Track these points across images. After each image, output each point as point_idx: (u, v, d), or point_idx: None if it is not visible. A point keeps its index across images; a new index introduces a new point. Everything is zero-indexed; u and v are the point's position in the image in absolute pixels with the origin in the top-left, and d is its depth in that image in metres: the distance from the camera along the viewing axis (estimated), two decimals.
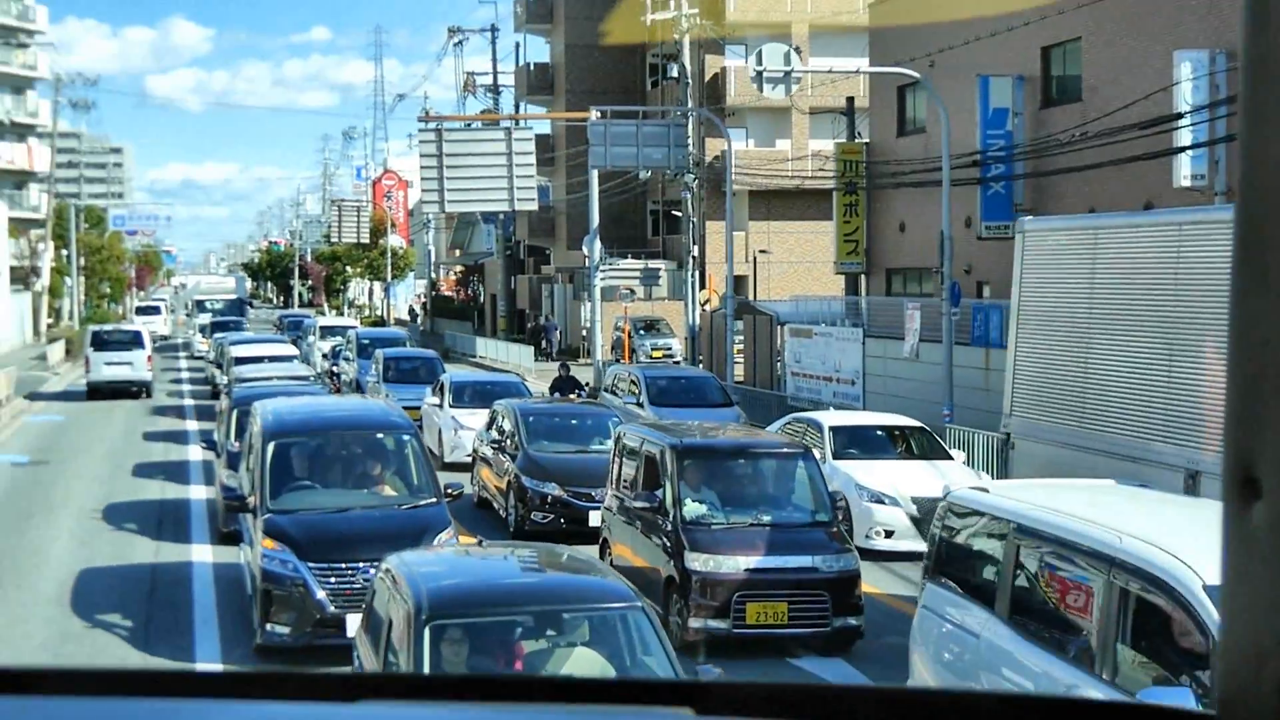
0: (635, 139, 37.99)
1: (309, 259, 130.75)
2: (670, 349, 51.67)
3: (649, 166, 39.04)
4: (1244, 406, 1.54)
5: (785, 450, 17.04)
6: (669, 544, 15.46)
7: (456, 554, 12.32)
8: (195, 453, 30.44)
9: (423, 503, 15.59)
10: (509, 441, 22.63)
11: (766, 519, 15.81)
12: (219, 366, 40.10)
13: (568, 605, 9.96)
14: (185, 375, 53.36)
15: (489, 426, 24.36)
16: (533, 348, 54.07)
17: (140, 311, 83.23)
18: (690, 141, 40.75)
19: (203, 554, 20.20)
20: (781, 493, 16.55)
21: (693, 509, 15.66)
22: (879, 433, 23.02)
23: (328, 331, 51.94)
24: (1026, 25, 31.00)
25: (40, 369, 53.46)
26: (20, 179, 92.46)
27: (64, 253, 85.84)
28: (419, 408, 29.41)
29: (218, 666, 14.52)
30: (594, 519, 20.45)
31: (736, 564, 15.03)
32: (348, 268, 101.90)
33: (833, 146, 48.90)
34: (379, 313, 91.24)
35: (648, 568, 15.90)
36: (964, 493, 12.22)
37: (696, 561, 14.99)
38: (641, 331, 52.16)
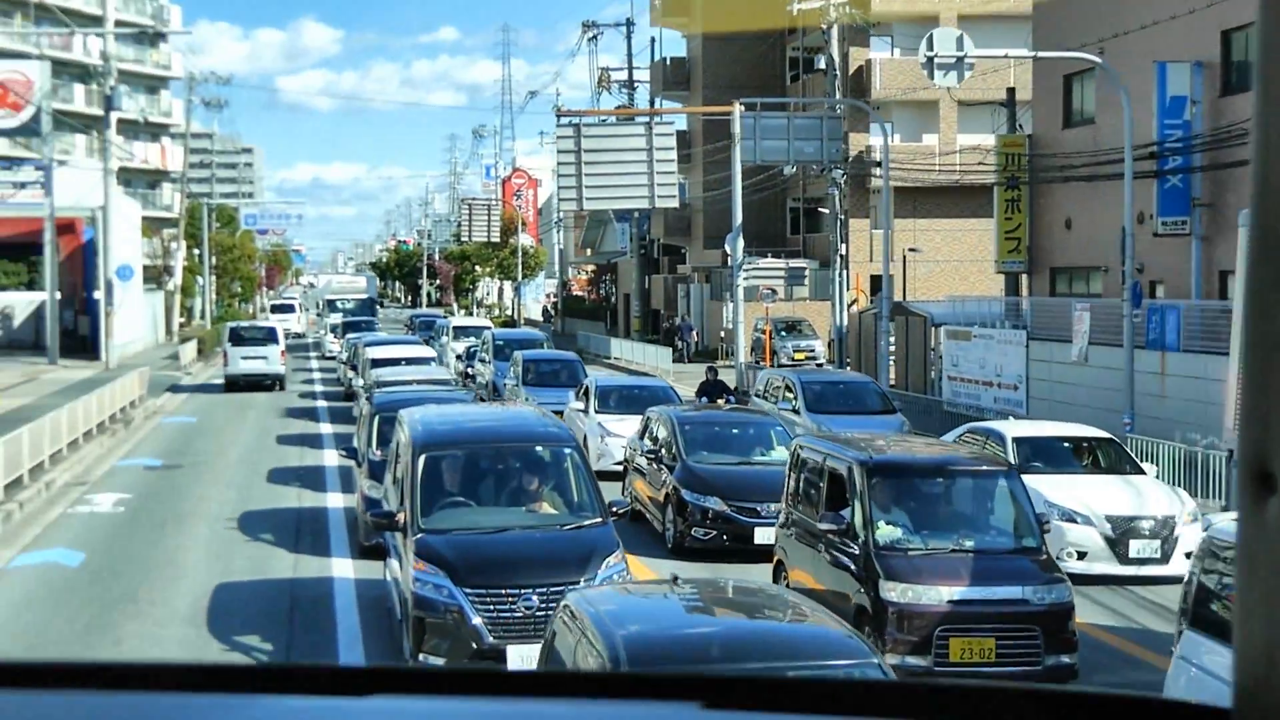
0: (786, 132, 36.44)
1: (437, 258, 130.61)
2: (813, 351, 50.00)
3: (801, 161, 37.46)
4: (1258, 403, 1.54)
5: (987, 468, 15.38)
6: (860, 571, 13.94)
7: (651, 594, 10.81)
8: (331, 458, 29.39)
9: (587, 522, 14.16)
10: (665, 451, 21.18)
11: (968, 544, 14.21)
12: (353, 368, 39.14)
13: (790, 663, 8.44)
14: (317, 376, 52.61)
15: (642, 435, 22.91)
16: (670, 349, 52.60)
17: (275, 309, 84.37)
18: (844, 135, 38.99)
19: (343, 568, 18.97)
20: (982, 515, 14.94)
21: (886, 533, 14.10)
22: (1065, 444, 21.27)
23: (461, 332, 50.84)
24: (1209, 7, 28.94)
25: (172, 369, 52.99)
26: (154, 178, 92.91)
27: (196, 252, 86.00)
28: (561, 413, 28.15)
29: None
30: (759, 536, 19.02)
31: (938, 595, 13.47)
32: (477, 267, 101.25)
33: (982, 141, 47.03)
34: (508, 313, 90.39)
35: (832, 595, 14.35)
36: (1229, 527, 10.55)
37: (893, 591, 13.45)
38: (783, 333, 50.54)
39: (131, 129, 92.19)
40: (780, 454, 20.99)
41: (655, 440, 22.15)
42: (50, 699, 1.99)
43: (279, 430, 34.65)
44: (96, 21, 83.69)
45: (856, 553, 14.03)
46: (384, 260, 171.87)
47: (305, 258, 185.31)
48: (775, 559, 16.52)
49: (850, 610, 13.75)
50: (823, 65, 45.61)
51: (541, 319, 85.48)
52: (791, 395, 28.07)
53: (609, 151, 40.73)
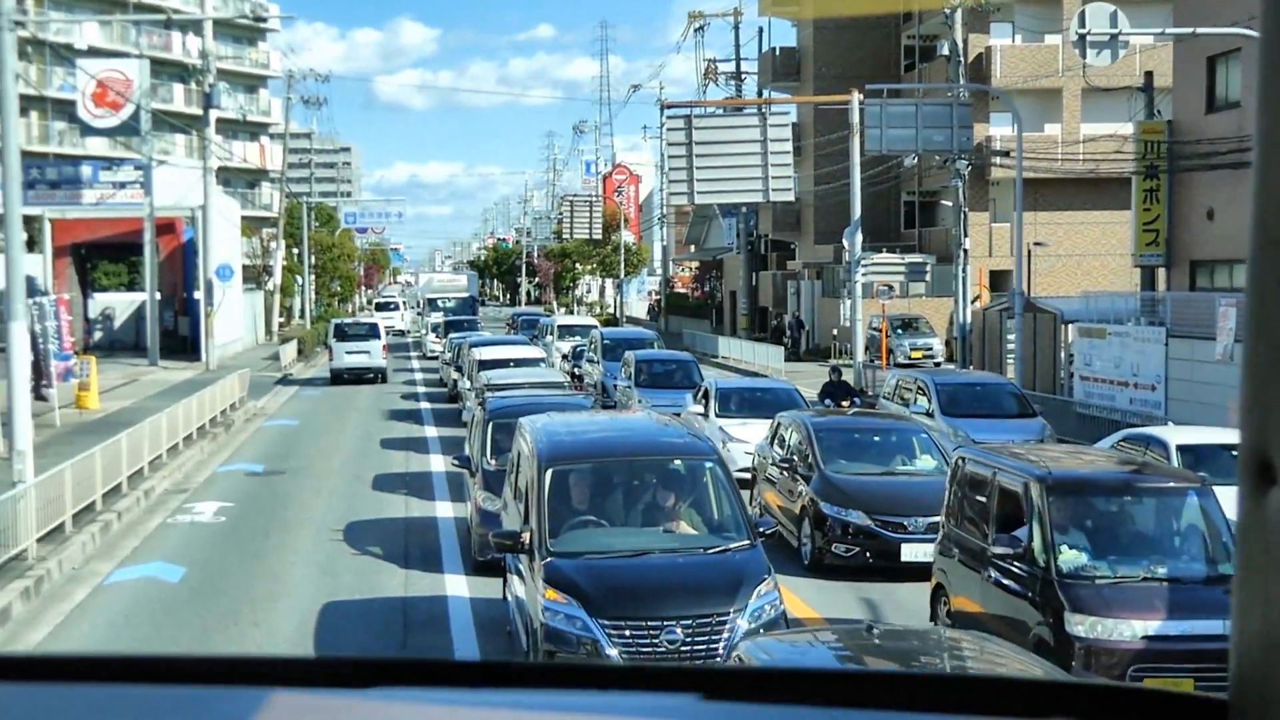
0: (914, 120, 34.72)
1: (536, 256, 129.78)
2: (930, 349, 48.25)
3: (929, 150, 35.77)
4: (1260, 395, 1.55)
5: (1178, 484, 13.73)
6: (1039, 600, 12.42)
7: (842, 644, 9.30)
8: (438, 463, 28.23)
9: (734, 545, 12.71)
10: (799, 460, 19.68)
11: (1160, 572, 12.60)
12: (458, 369, 37.96)
13: None
14: (419, 376, 51.52)
15: (772, 441, 21.43)
16: (781, 347, 51.02)
17: (380, 307, 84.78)
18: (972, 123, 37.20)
19: (457, 586, 17.67)
20: (1173, 538, 13.33)
21: (1070, 558, 12.54)
22: (1234, 454, 19.47)
23: (567, 331, 49.50)
24: None
25: (272, 369, 52.16)
26: (253, 178, 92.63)
27: (295, 251, 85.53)
28: (678, 416, 26.75)
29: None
30: (906, 553, 17.55)
31: (1131, 630, 11.93)
32: (577, 265, 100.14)
33: (1107, 130, 45.05)
34: (609, 311, 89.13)
35: (1004, 626, 12.82)
36: None
37: (1080, 625, 11.92)
38: (899, 331, 48.83)
39: (230, 128, 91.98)
40: (925, 463, 19.50)
41: (785, 446, 20.69)
42: (56, 690, 2.02)
43: (382, 434, 33.54)
44: (195, 21, 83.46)
45: (1035, 580, 12.52)
46: (482, 258, 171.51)
47: (403, 256, 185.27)
48: (934, 583, 14.99)
49: (1028, 644, 12.22)
50: (941, 53, 43.88)
51: (648, 317, 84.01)
52: (924, 397, 26.47)
53: (721, 144, 39.31)
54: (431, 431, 33.66)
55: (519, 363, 32.86)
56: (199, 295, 53.87)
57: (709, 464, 13.58)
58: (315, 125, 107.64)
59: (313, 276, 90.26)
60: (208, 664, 2.13)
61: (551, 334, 49.58)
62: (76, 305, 61.03)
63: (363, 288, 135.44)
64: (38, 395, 31.46)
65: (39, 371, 31.85)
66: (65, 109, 70.94)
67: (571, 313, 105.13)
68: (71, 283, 60.86)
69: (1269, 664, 1.54)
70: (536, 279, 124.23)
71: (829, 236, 59.79)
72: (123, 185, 55.89)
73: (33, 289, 64.14)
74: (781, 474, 20.08)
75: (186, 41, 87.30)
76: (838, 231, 56.80)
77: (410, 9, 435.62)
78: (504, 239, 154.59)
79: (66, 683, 2.04)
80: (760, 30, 65.36)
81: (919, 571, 17.18)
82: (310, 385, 47.74)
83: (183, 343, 59.83)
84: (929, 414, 25.51)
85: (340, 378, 47.19)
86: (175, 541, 21.20)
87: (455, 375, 38.94)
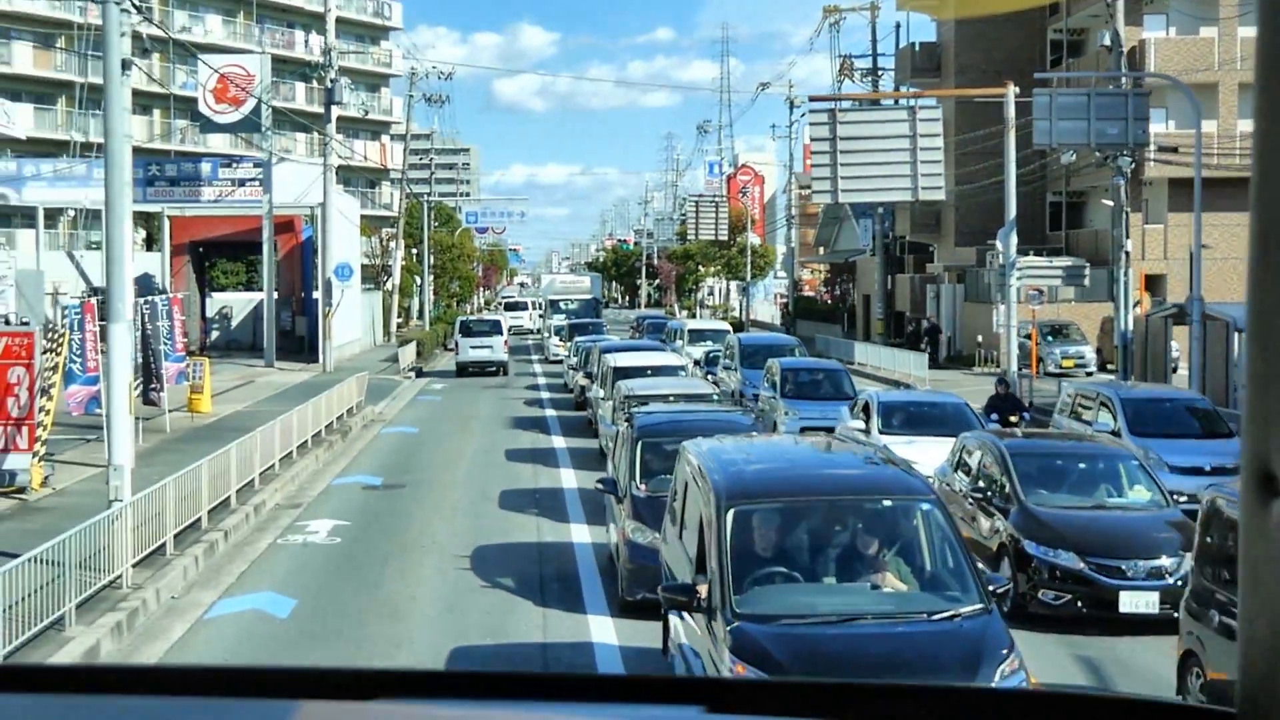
0: (1086, 111, 31.93)
1: (657, 258, 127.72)
2: (1083, 357, 45.39)
3: (1103, 144, 32.88)
4: (1261, 404, 1.55)
5: None
6: None
7: None
8: (569, 478, 26.14)
9: (965, 610, 10.27)
10: (991, 489, 17.20)
11: None
12: (587, 375, 35.71)
13: None
14: (542, 381, 49.44)
15: (955, 466, 18.95)
16: (922, 354, 48.35)
17: (508, 307, 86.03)
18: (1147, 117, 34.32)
19: (604, 630, 15.43)
20: None
21: None
22: None
23: (698, 336, 47.12)
24: None
25: (390, 372, 50.44)
26: (374, 176, 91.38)
27: (414, 251, 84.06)
28: (831, 431, 24.34)
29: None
30: (1126, 603, 15.05)
31: None
32: (700, 267, 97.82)
33: None
34: (734, 314, 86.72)
35: None
36: None
37: None
38: (1049, 338, 45.94)
39: (352, 127, 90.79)
40: (1138, 496, 16.94)
41: (968, 472, 18.23)
42: (68, 702, 2.03)
43: (507, 444, 31.47)
44: (317, 19, 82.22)
45: None
46: (600, 260, 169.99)
47: (521, 258, 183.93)
48: (1182, 649, 12.46)
49: None
50: (1101, 44, 41.01)
51: (781, 323, 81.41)
52: (1108, 414, 23.82)
53: (868, 139, 36.77)
54: (559, 442, 31.54)
55: (657, 370, 30.57)
56: (317, 295, 52.24)
57: (925, 505, 11.13)
58: (436, 124, 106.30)
59: (431, 277, 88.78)
60: (210, 675, 2.13)
61: (681, 338, 47.26)
62: (193, 304, 59.81)
63: (481, 288, 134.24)
64: (147, 399, 29.73)
65: (150, 374, 30.13)
66: (187, 106, 69.96)
67: (694, 316, 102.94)
68: (189, 281, 59.63)
69: (1275, 673, 1.53)
70: (657, 281, 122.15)
71: (971, 238, 57.01)
72: (242, 183, 54.52)
73: (149, 287, 63.04)
74: (972, 505, 17.59)
75: (309, 40, 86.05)
76: (980, 233, 54.09)
77: (530, 12, 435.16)
78: (624, 240, 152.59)
79: (91, 694, 2.05)
80: (897, 26, 62.54)
81: (1140, 625, 14.89)
82: (430, 389, 45.91)
83: (300, 343, 58.37)
84: (1115, 433, 22.88)
85: (466, 370, 51.45)
86: (286, 566, 19.20)
87: (583, 381, 36.83)
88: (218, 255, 65.56)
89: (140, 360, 29.95)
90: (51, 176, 54.91)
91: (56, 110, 72.26)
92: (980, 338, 50.95)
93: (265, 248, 51.52)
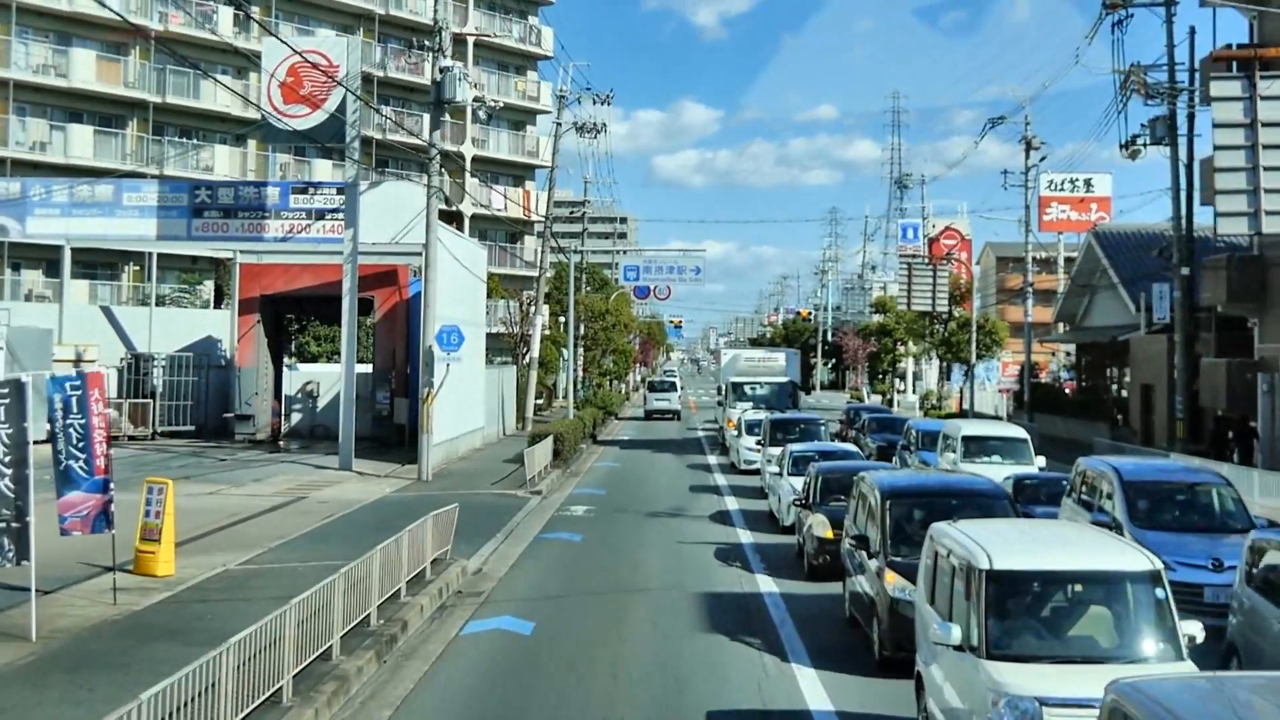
0: None
1: (837, 333, 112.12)
2: None
3: None
4: None
5: None
6: None
7: None
8: None
9: None
10: None
11: None
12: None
13: None
14: (732, 506, 33.61)
15: None
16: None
17: (653, 388, 79.63)
18: None
19: None
20: None
21: None
22: None
23: (979, 446, 31.05)
24: None
25: (512, 481, 35.46)
26: (516, 229, 77.13)
27: (561, 320, 69.70)
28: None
29: None
30: None
31: None
32: (900, 344, 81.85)
33: None
34: (946, 401, 70.54)
35: None
36: None
37: None
38: None
39: (490, 170, 76.71)
40: None
41: None
42: None
43: (701, 678, 15.90)
44: (458, 41, 68.27)
45: None
46: (767, 335, 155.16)
47: (680, 332, 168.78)
48: None
49: None
50: None
51: (1008, 416, 65.00)
52: None
53: None
54: (809, 684, 15.73)
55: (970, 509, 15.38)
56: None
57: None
58: (591, 172, 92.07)
59: (581, 349, 74.14)
60: None
61: (951, 448, 31.34)
62: (263, 377, 45.41)
63: (638, 365, 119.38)
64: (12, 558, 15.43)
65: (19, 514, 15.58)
66: (294, 144, 56.51)
67: (888, 400, 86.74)
68: (258, 347, 45.23)
69: None
70: (838, 358, 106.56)
71: None
72: (321, 214, 40.18)
73: (213, 355, 49.05)
74: None
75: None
76: None
77: (694, 91, 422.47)
78: (799, 313, 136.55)
79: None
80: (1192, 31, 46.29)
81: None
82: (567, 515, 30.80)
83: (400, 433, 43.74)
84: None
85: (651, 415, 74.03)
86: None
87: (822, 531, 21.54)
88: (302, 313, 51.46)
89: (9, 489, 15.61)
90: (67, 203, 40.87)
91: (126, 135, 58.78)
92: None
93: (345, 302, 36.85)
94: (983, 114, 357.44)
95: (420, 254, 37.02)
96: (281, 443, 45.24)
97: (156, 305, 51.10)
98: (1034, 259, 62.94)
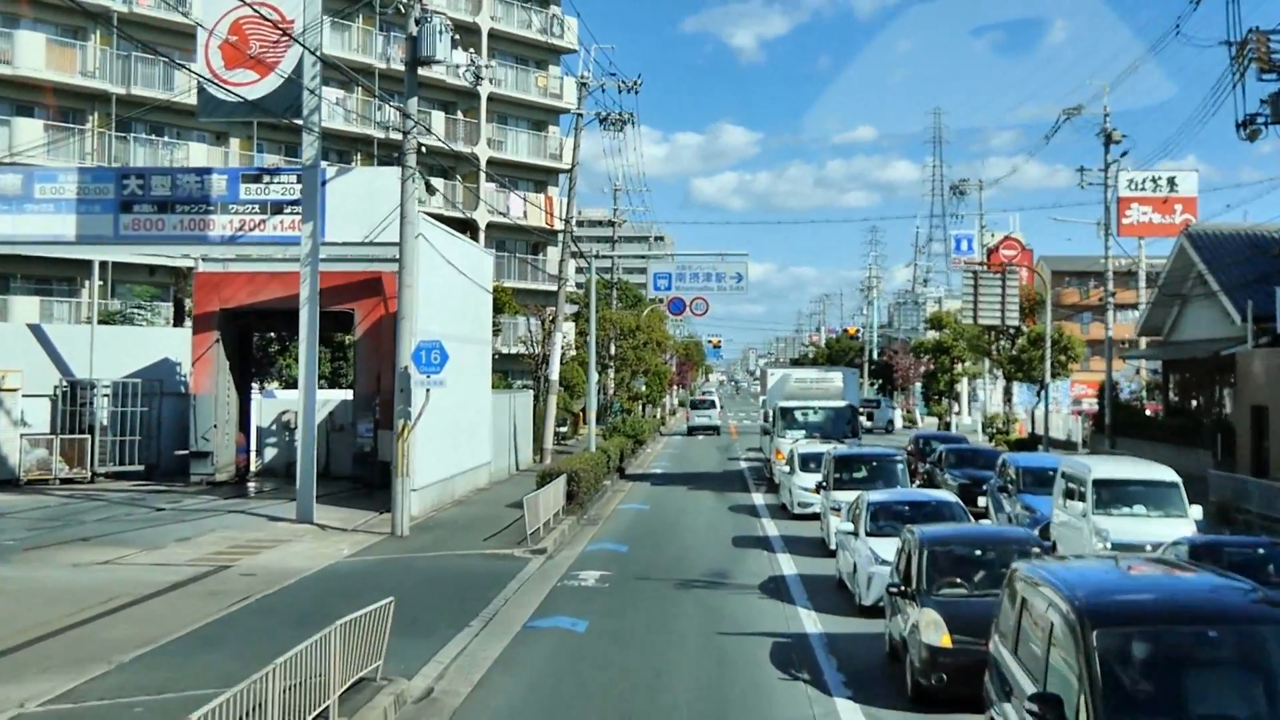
0: None
1: (885, 351, 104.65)
2: None
3: None
4: None
5: None
6: None
7: None
8: None
9: None
10: None
11: None
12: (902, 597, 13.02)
13: None
14: (787, 569, 26.32)
15: None
16: None
17: (694, 406, 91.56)
18: None
19: None
20: None
21: None
22: None
23: (1115, 494, 23.40)
24: None
25: (505, 540, 28.32)
26: (537, 238, 69.99)
27: (586, 337, 62.68)
28: None
29: None
30: None
31: None
32: (959, 362, 74.39)
33: None
34: (1015, 423, 62.98)
35: None
36: None
37: None
38: None
39: (509, 174, 69.63)
40: None
41: None
42: None
43: None
44: (466, 30, 61.46)
45: None
46: (809, 355, 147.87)
47: (720, 352, 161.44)
48: None
49: None
50: None
51: (1085, 441, 57.34)
52: None
53: None
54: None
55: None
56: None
57: None
58: (620, 179, 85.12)
59: (612, 370, 66.97)
60: None
61: (1075, 494, 23.86)
62: (226, 406, 38.41)
63: (675, 387, 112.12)
64: None
65: None
66: (285, 136, 49.71)
67: (945, 424, 79.12)
68: (218, 369, 38.07)
69: None
70: (887, 378, 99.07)
71: None
72: (279, 207, 33.09)
73: (171, 378, 42.00)
74: None
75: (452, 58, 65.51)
76: None
77: (732, 114, 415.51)
78: (846, 331, 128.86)
79: None
80: None
81: None
82: (571, 588, 23.62)
83: (385, 473, 36.52)
84: None
85: (693, 431, 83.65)
86: None
87: (932, 639, 14.33)
88: (269, 329, 44.49)
89: None
90: None
91: (86, 131, 51.82)
92: None
93: (303, 313, 29.66)
94: (1021, 135, 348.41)
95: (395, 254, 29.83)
96: (251, 484, 38.19)
97: (106, 323, 44.10)
98: (1109, 270, 55.41)
